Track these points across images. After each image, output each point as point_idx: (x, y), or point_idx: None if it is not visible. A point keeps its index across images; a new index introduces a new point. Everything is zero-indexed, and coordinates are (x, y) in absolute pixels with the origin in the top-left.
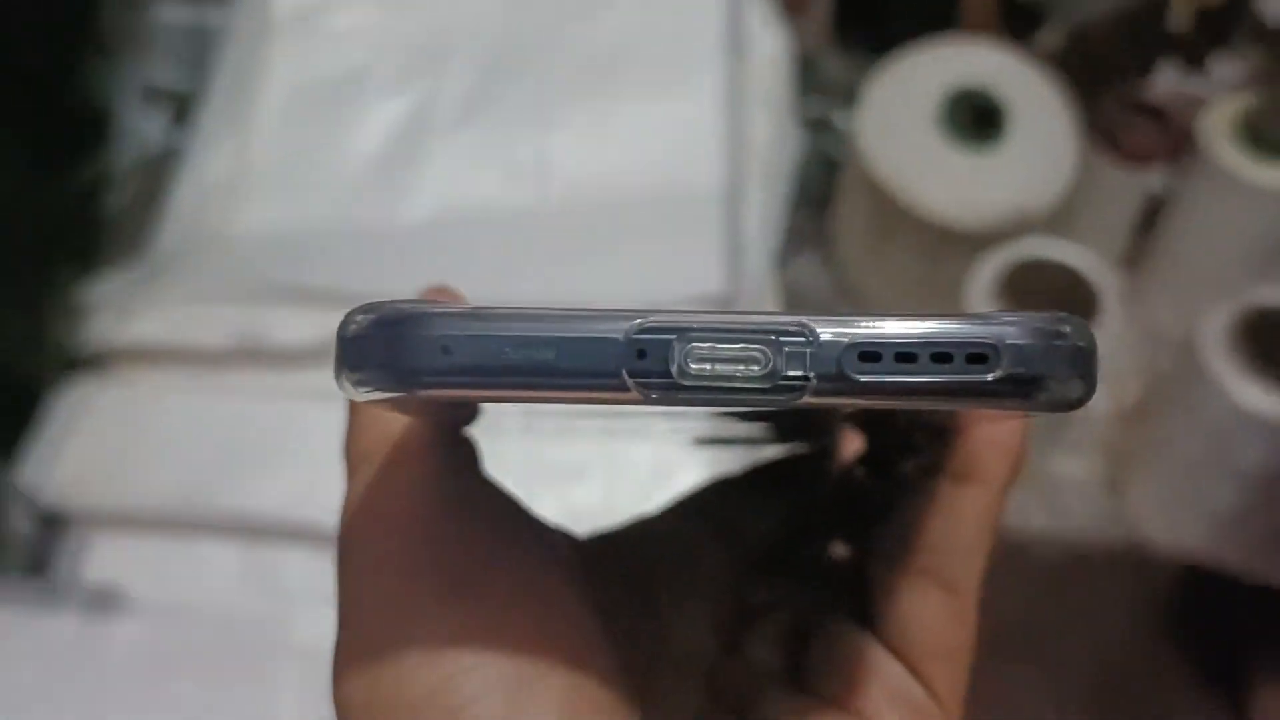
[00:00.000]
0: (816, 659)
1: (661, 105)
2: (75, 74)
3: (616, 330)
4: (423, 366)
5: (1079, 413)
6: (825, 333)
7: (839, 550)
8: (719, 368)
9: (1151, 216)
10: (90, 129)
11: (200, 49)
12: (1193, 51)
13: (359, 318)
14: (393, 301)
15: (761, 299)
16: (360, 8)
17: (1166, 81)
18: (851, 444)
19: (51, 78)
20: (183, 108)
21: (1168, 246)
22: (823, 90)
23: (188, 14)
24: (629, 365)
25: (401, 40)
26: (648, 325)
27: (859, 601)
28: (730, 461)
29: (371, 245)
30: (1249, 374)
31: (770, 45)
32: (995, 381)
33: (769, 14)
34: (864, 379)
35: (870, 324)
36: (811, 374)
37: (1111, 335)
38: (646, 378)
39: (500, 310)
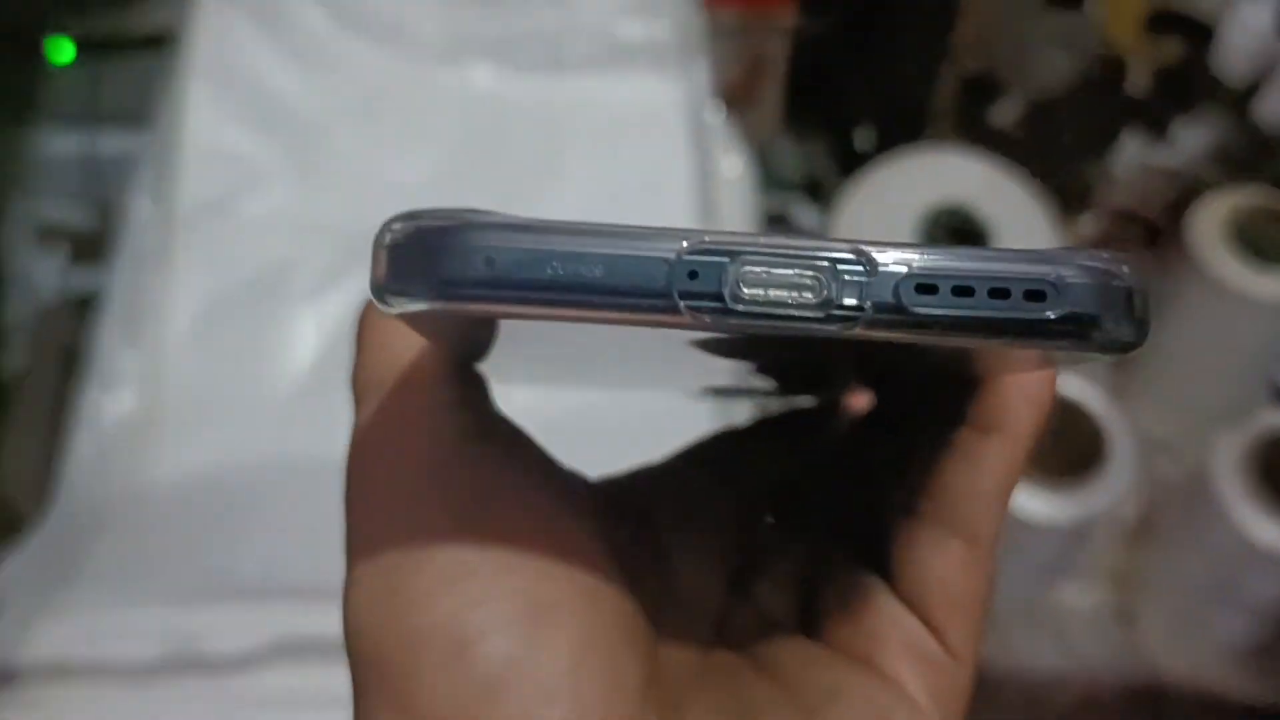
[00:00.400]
0: (828, 607)
1: None
2: None
3: (668, 249)
4: (465, 277)
5: (1085, 534)
6: (883, 261)
7: (851, 501)
8: (772, 293)
9: None
10: None
11: (96, 180)
12: (1155, 118)
13: (398, 225)
14: (434, 210)
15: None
16: (278, 186)
17: (1131, 154)
18: (860, 399)
19: None
20: (80, 246)
21: (1160, 352)
22: (780, 184)
23: (78, 143)
24: (680, 286)
25: (328, 224)
26: (701, 246)
27: (872, 550)
28: (738, 414)
29: (309, 487)
30: (1261, 506)
31: (733, 168)
32: (1053, 320)
33: (730, 140)
34: (921, 310)
35: (928, 255)
36: (868, 303)
37: (1123, 483)
38: (697, 299)
39: (548, 224)
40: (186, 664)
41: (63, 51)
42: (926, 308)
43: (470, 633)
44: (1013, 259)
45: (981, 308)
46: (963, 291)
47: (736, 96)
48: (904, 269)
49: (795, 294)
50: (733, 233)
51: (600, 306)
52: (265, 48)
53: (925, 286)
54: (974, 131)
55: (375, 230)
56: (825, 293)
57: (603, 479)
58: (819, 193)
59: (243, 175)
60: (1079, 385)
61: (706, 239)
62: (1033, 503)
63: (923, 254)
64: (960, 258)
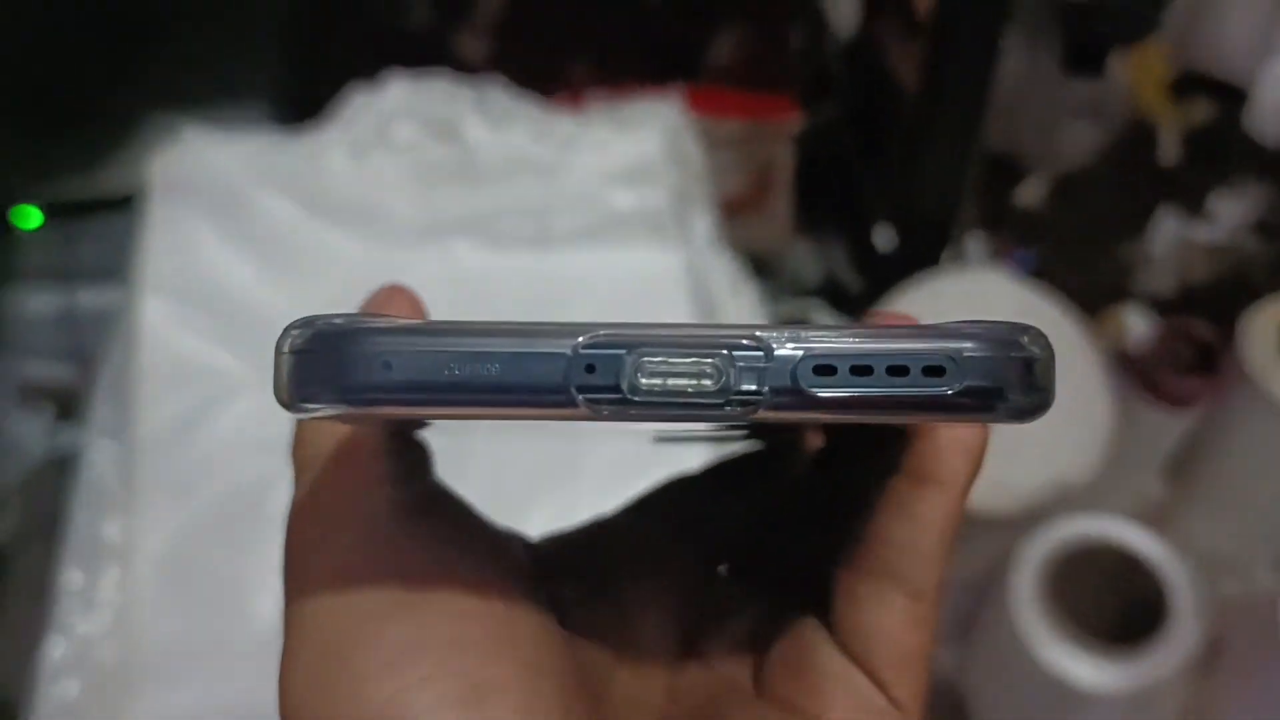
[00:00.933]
0: (778, 664)
1: None
2: None
3: (564, 345)
4: (364, 383)
5: (1147, 704)
6: (779, 346)
7: (800, 552)
8: (671, 382)
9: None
10: None
11: (76, 336)
12: (1190, 190)
13: (296, 332)
14: (333, 315)
15: None
16: (244, 399)
17: (1168, 231)
18: (813, 442)
19: None
20: (65, 404)
21: (1211, 470)
22: (796, 288)
23: (56, 300)
24: (577, 381)
25: None
26: (596, 339)
27: (821, 605)
28: (690, 460)
29: None
30: None
31: (741, 309)
32: (953, 395)
33: (736, 278)
34: (820, 393)
35: (824, 337)
36: (766, 388)
37: (1188, 645)
38: (596, 393)
39: (444, 325)
40: None
41: (30, 218)
42: (825, 389)
43: (411, 714)
44: (909, 336)
45: (880, 386)
46: (861, 370)
47: (744, 207)
48: (800, 351)
49: (694, 382)
50: (629, 324)
51: (500, 404)
52: (224, 247)
53: (823, 368)
54: (999, 215)
55: None
56: (724, 379)
57: (551, 536)
58: (840, 295)
59: (206, 390)
60: (1132, 532)
61: (602, 332)
62: (1085, 669)
63: (818, 336)
64: (856, 337)
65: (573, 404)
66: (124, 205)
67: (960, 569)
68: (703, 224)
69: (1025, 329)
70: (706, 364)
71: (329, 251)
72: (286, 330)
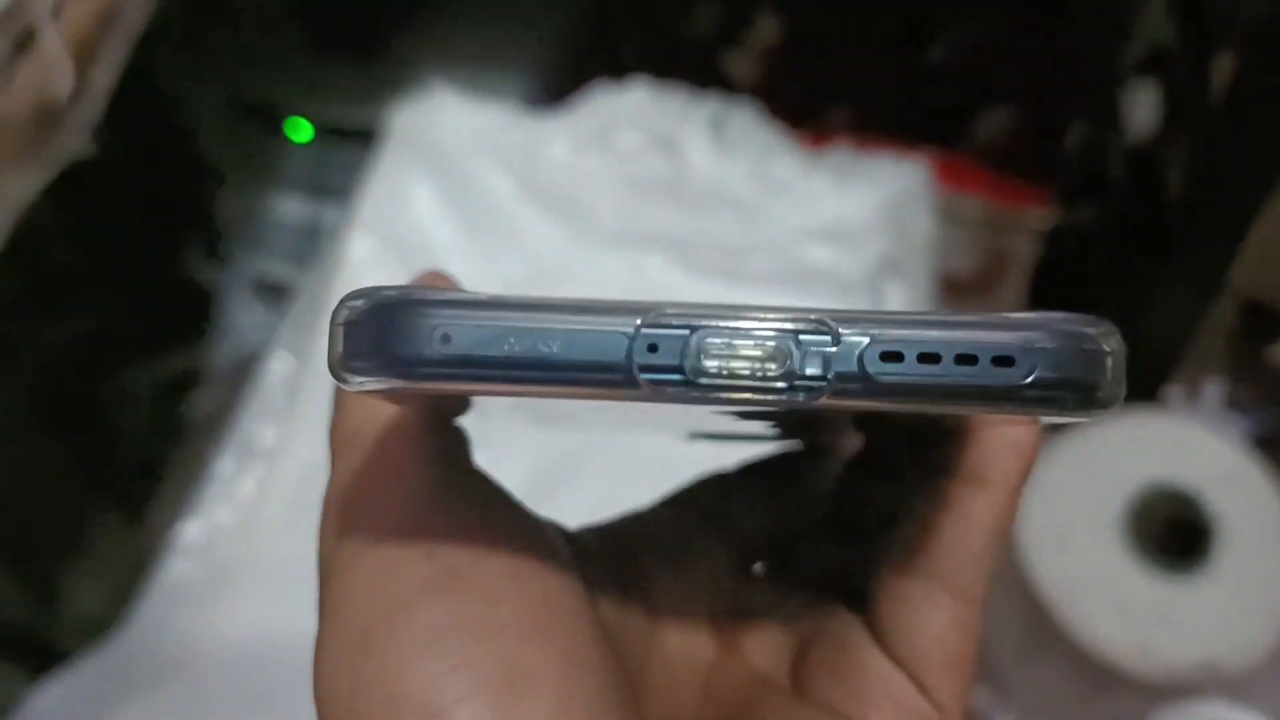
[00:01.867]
0: (818, 665)
1: None
2: (186, 259)
3: (627, 324)
4: (421, 356)
5: None
6: (847, 331)
7: (840, 552)
8: (735, 365)
9: None
10: (194, 317)
11: (313, 248)
12: None
13: (354, 303)
14: (391, 287)
15: None
16: None
17: None
18: (852, 442)
19: (162, 261)
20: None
21: None
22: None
23: (304, 211)
24: (640, 360)
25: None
26: (660, 319)
27: (862, 605)
28: (727, 457)
29: None
30: None
31: None
32: (1021, 385)
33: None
34: (886, 380)
35: (892, 323)
36: (831, 374)
37: None
38: (658, 374)
39: (504, 299)
40: None
41: (301, 131)
42: (891, 376)
43: (444, 701)
44: (979, 326)
45: (948, 375)
46: (928, 359)
47: (969, 289)
48: (867, 338)
49: (758, 365)
50: (695, 305)
51: (558, 382)
52: (434, 204)
53: (890, 355)
54: (1248, 370)
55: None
56: (789, 363)
57: (587, 528)
58: None
59: None
60: None
61: (667, 312)
62: None
63: (886, 322)
64: (924, 325)
65: (634, 384)
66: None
67: (1092, 713)
68: (900, 296)
69: (1098, 322)
70: (771, 347)
71: (527, 233)
72: (343, 301)
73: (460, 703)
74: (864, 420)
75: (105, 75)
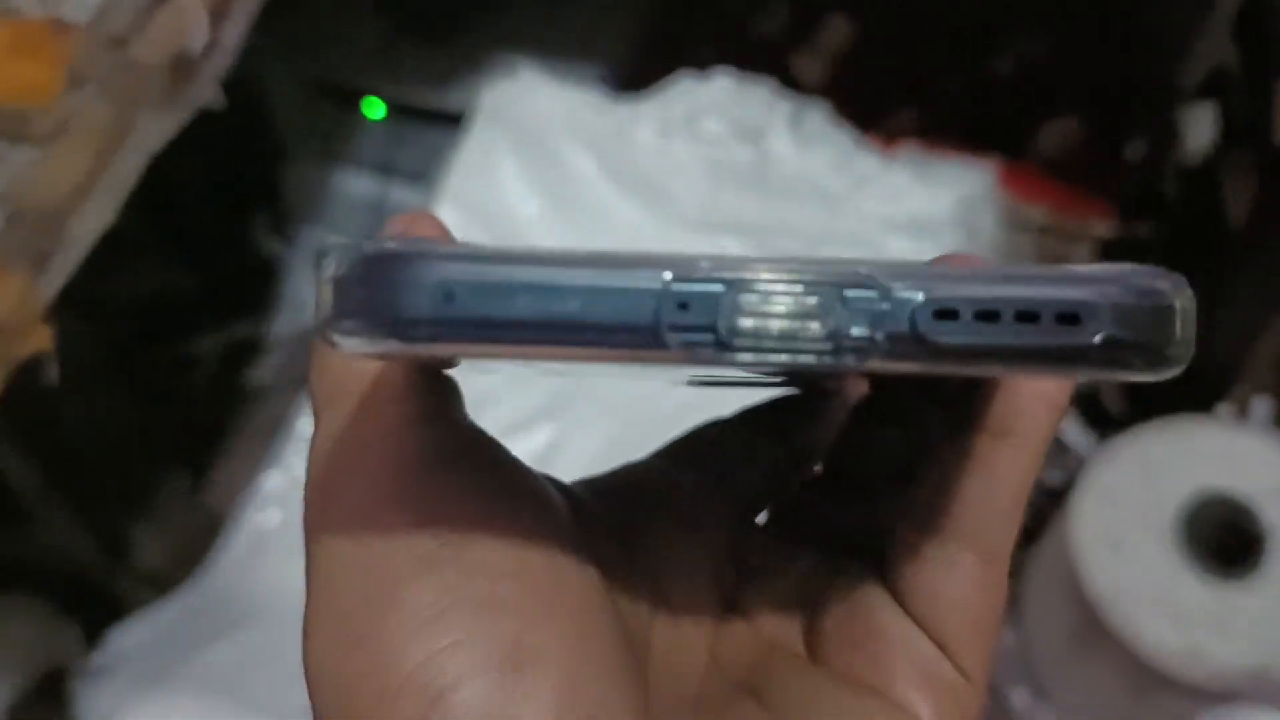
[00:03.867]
0: (833, 629)
1: None
2: (254, 231)
3: (654, 279)
4: (421, 316)
5: None
6: (897, 285)
7: (850, 507)
8: (774, 324)
9: None
10: (259, 288)
11: (379, 225)
12: None
13: (343, 257)
14: (386, 238)
15: None
16: None
17: None
18: (859, 386)
19: (231, 232)
20: None
21: None
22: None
23: (373, 188)
24: (669, 319)
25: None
26: (691, 273)
27: (878, 562)
28: (726, 404)
29: None
30: None
31: None
32: (1088, 345)
33: None
34: (941, 340)
35: (947, 276)
36: (880, 334)
37: None
38: (690, 334)
39: (515, 253)
40: None
41: (376, 110)
42: (948, 336)
43: (445, 682)
44: (1042, 279)
45: (1009, 334)
46: (987, 316)
47: None
48: (920, 294)
49: (800, 324)
50: (729, 257)
51: (579, 344)
52: (519, 181)
53: (945, 312)
54: None
55: (590, 382)
56: (833, 323)
57: (584, 483)
58: (1098, 413)
59: None
60: None
61: (701, 264)
62: None
63: (941, 277)
64: (983, 280)
65: (663, 345)
66: (452, 122)
67: (1140, 715)
68: None
69: (1167, 275)
70: (813, 304)
71: (607, 213)
72: (330, 253)
73: (463, 683)
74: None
75: (234, 31)
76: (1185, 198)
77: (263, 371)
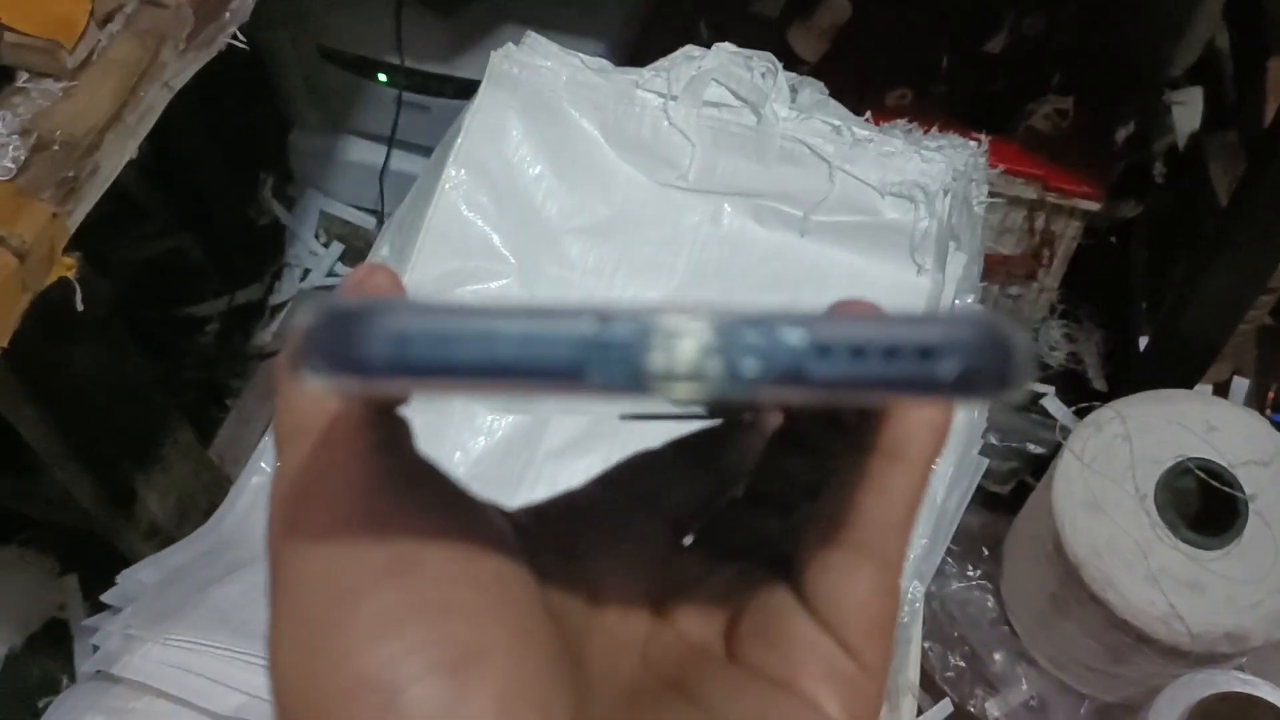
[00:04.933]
0: (749, 632)
1: None
2: (259, 196)
3: (577, 327)
4: (380, 359)
5: None
6: (783, 329)
7: (766, 523)
8: (680, 365)
9: None
10: (263, 252)
11: (384, 191)
12: None
13: (316, 307)
14: (353, 294)
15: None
16: (500, 281)
17: None
18: (773, 418)
19: (236, 197)
20: (354, 248)
21: None
22: (1038, 366)
23: (377, 155)
24: (590, 363)
25: None
26: (609, 321)
27: (789, 574)
28: (653, 436)
29: None
30: None
31: None
32: (941, 375)
33: None
34: (818, 373)
35: (824, 321)
36: (769, 369)
37: None
38: (607, 375)
39: (460, 305)
40: None
41: (381, 79)
42: (824, 369)
43: (399, 682)
44: (902, 321)
45: (876, 367)
46: (857, 353)
47: (1011, 269)
48: (801, 334)
49: (701, 363)
50: (640, 306)
51: (514, 385)
52: (526, 144)
53: (823, 349)
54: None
55: None
56: (731, 360)
57: (524, 508)
58: (1080, 386)
59: (470, 261)
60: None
61: (614, 313)
62: None
63: (819, 320)
64: (853, 323)
65: (584, 385)
66: (458, 92)
67: (1113, 672)
68: (961, 264)
69: (1002, 315)
70: (715, 346)
71: (611, 176)
72: (306, 305)
73: (417, 682)
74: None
75: None
76: (1171, 179)
77: (266, 334)
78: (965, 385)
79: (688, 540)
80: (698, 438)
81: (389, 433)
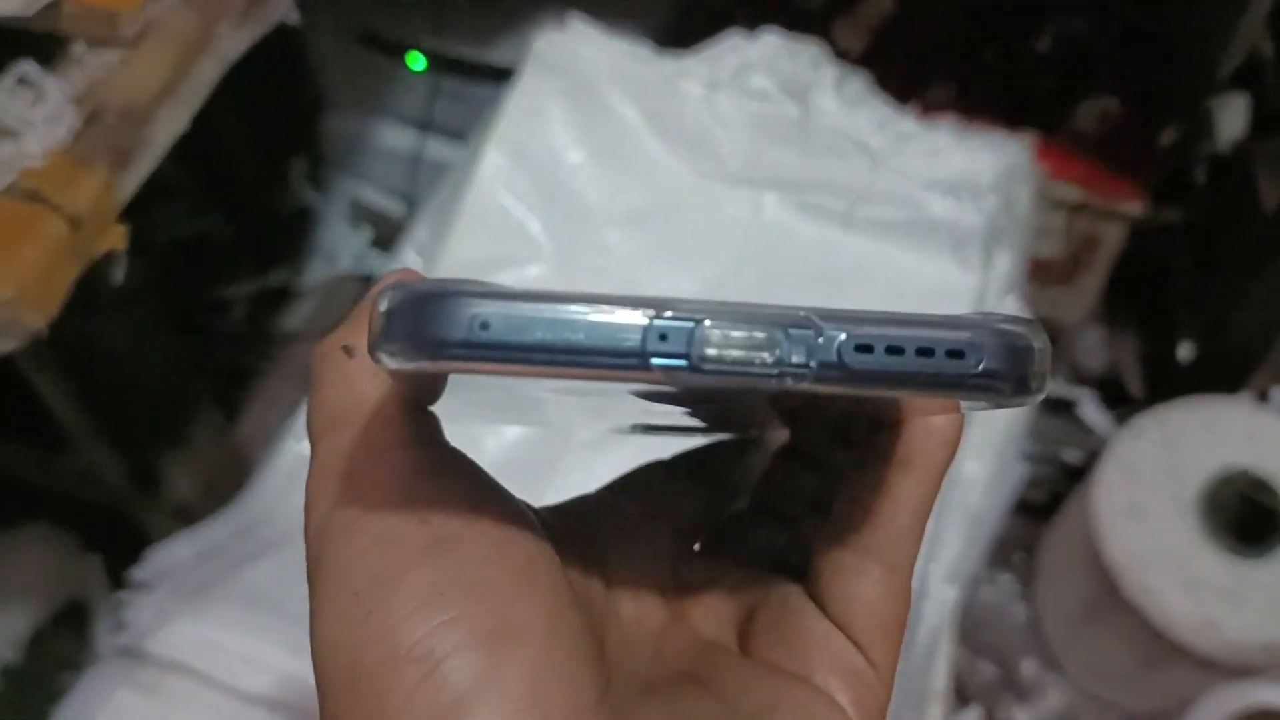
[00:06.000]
0: (763, 629)
1: None
2: (289, 179)
3: (641, 316)
4: (460, 340)
5: None
6: (828, 326)
7: (773, 532)
8: (732, 352)
9: None
10: (292, 236)
11: (414, 179)
12: None
13: (395, 293)
14: (429, 280)
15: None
16: (537, 267)
17: None
18: (779, 434)
19: (267, 180)
20: (385, 233)
21: None
22: (1076, 373)
23: (409, 141)
24: (652, 348)
25: None
26: (669, 313)
27: (801, 574)
28: (664, 449)
29: None
30: None
31: None
32: (969, 375)
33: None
34: (859, 367)
35: (865, 320)
36: (814, 362)
37: None
38: (667, 359)
39: (534, 292)
40: (283, 706)
41: (417, 62)
42: (864, 365)
43: (441, 653)
44: (937, 323)
45: (910, 364)
46: (895, 351)
47: (1053, 272)
48: (844, 332)
49: (752, 353)
50: (699, 300)
51: (581, 365)
52: (567, 129)
53: (863, 346)
54: None
55: None
56: (778, 352)
57: (545, 507)
58: (1118, 393)
59: (507, 246)
60: None
61: (676, 305)
62: None
63: (861, 320)
64: (893, 323)
65: (647, 368)
66: (494, 78)
67: (1147, 681)
68: (1005, 262)
69: (1030, 322)
70: (763, 338)
71: (652, 163)
72: (384, 289)
73: (457, 652)
74: (796, 413)
75: None
76: (1215, 185)
77: (294, 318)
78: (989, 385)
79: (696, 547)
80: (704, 452)
81: (423, 425)
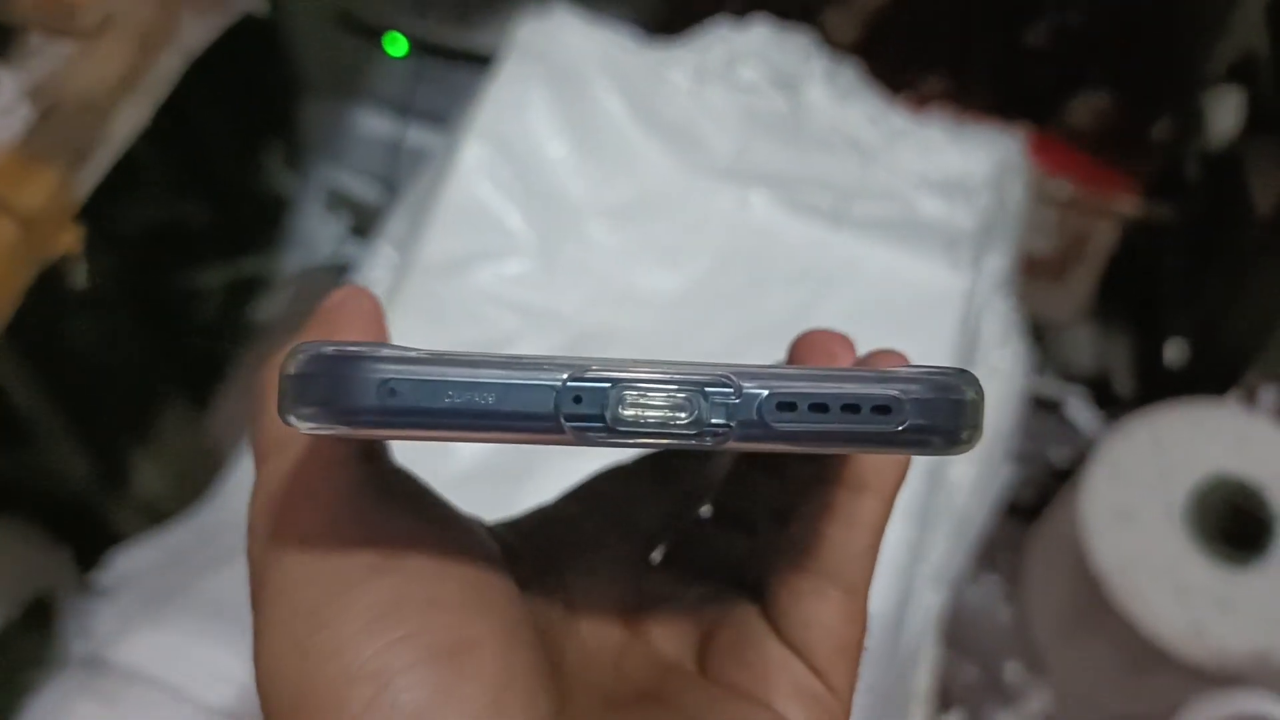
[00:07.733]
0: (721, 650)
1: None
2: (266, 166)
3: (555, 378)
4: (368, 406)
5: None
6: (748, 385)
7: (735, 545)
8: (649, 414)
9: None
10: (268, 224)
11: (393, 166)
12: None
13: (302, 356)
14: (336, 343)
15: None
16: (520, 261)
17: None
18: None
19: (242, 166)
20: (363, 221)
21: None
22: (1065, 371)
23: (388, 128)
24: (566, 410)
25: (560, 312)
26: (584, 374)
27: (759, 597)
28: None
29: None
30: None
31: (1004, 360)
32: (897, 430)
33: (1010, 329)
34: (781, 427)
35: (787, 378)
36: (734, 422)
37: None
38: (582, 422)
39: (444, 355)
40: (246, 717)
41: (398, 47)
42: (786, 424)
43: (390, 672)
44: (862, 378)
45: (835, 422)
46: (819, 408)
47: (1045, 269)
48: (765, 390)
49: (671, 414)
50: (615, 359)
51: (492, 430)
52: (550, 119)
53: (785, 405)
54: None
55: (604, 329)
56: (697, 413)
57: (500, 522)
58: (1106, 393)
59: (487, 240)
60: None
61: (592, 367)
62: None
63: (782, 377)
64: (815, 379)
65: (560, 431)
66: (475, 63)
67: (1134, 690)
68: (997, 262)
69: (962, 373)
70: (682, 398)
71: (637, 156)
72: (292, 351)
73: (410, 669)
74: None
75: None
76: (1208, 182)
77: (269, 307)
78: (918, 440)
79: (656, 556)
80: (665, 455)
81: (368, 445)
